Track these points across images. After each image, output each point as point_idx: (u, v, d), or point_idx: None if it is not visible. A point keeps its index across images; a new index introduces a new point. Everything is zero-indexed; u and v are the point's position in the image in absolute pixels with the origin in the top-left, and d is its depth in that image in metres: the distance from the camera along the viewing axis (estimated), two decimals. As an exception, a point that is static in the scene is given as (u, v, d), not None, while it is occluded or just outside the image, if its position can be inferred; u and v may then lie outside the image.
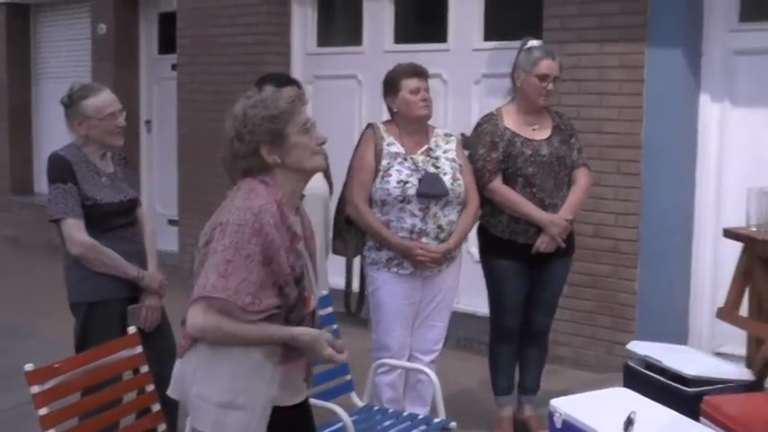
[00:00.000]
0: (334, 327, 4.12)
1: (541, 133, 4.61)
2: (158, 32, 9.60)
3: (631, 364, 4.67)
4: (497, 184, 4.53)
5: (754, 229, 4.52)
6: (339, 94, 7.61)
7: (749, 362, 4.74)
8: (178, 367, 2.86)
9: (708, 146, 5.71)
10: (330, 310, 4.18)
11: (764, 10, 5.50)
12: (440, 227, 4.36)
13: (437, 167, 4.39)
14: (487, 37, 6.75)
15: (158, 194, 9.55)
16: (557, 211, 4.55)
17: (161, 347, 3.95)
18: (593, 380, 5.38)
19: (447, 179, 4.37)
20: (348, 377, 4.21)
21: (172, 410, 3.77)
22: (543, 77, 4.52)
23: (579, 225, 5.19)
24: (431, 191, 4.31)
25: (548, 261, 4.64)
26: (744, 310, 4.76)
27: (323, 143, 2.88)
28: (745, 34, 5.55)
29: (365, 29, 7.52)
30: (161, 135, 9.50)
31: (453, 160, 4.45)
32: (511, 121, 4.60)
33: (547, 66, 4.53)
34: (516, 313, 4.69)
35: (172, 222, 9.06)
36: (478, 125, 4.68)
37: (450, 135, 4.60)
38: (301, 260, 2.83)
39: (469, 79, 6.80)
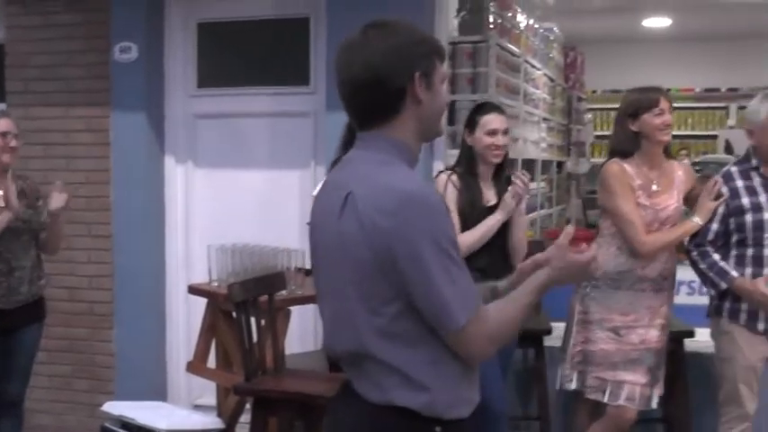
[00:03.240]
0: None
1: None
2: None
3: (108, 425, 4.78)
4: None
5: (215, 284, 4.88)
6: None
7: (220, 410, 5.09)
8: None
9: (174, 205, 6.03)
10: None
11: (218, 78, 5.97)
12: None
13: None
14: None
15: None
16: (24, 273, 4.56)
17: None
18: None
19: None
20: None
21: None
22: (2, 135, 4.52)
23: (53, 290, 5.20)
24: None
25: (17, 328, 4.61)
26: (212, 362, 5.10)
27: None
28: (203, 99, 5.98)
29: None
30: None
31: None
32: (-27, 188, 4.52)
33: (3, 124, 4.54)
34: (-13, 385, 4.59)
35: None
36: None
37: None
38: None
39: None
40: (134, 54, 5.78)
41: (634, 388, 4.07)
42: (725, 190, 4.04)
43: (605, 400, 4.10)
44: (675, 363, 4.50)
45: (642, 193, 4.04)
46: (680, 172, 4.17)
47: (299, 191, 5.74)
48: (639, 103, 4.06)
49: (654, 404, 4.14)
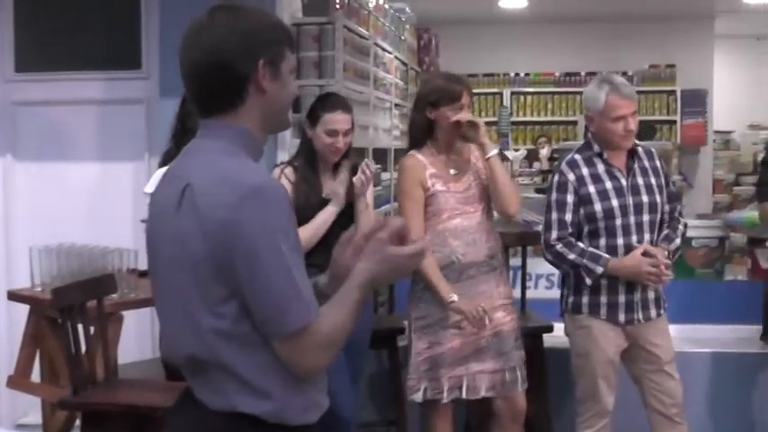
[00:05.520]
0: None
1: None
2: None
3: None
4: None
5: (39, 289, 4.75)
6: None
7: (46, 429, 4.96)
8: None
9: (-8, 203, 5.86)
10: None
11: (39, 61, 5.83)
12: None
13: None
14: None
15: None
16: None
17: None
18: None
19: None
20: None
21: None
22: None
23: None
24: None
25: None
26: (38, 376, 4.98)
27: None
28: (22, 85, 5.82)
29: None
30: None
31: None
32: None
33: None
34: None
35: None
36: None
37: None
38: None
39: None
40: (-61, 33, 5.60)
41: (494, 376, 4.21)
42: (571, 177, 4.18)
43: (464, 396, 4.20)
44: (534, 359, 4.62)
45: (438, 181, 4.20)
46: (477, 152, 4.32)
47: (131, 185, 5.66)
48: (442, 93, 4.18)
49: (520, 387, 4.27)
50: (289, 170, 4.31)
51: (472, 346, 4.18)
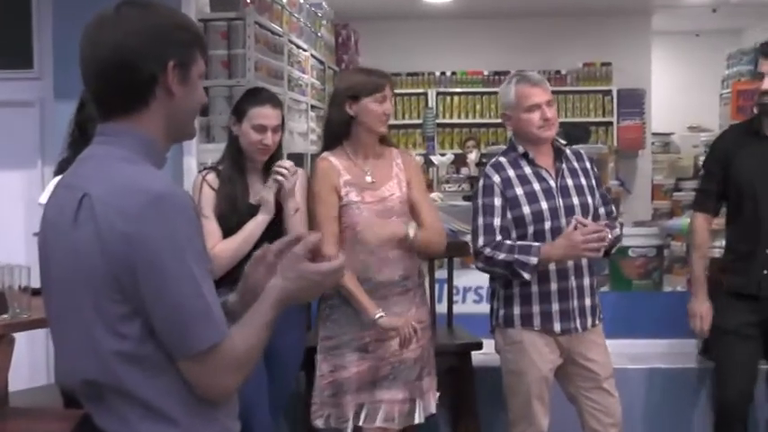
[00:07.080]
0: None
1: None
2: None
3: None
4: None
5: None
6: None
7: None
8: None
9: None
10: None
11: None
12: None
13: None
14: None
15: None
16: None
17: None
18: None
19: None
20: None
21: None
22: None
23: None
24: None
25: None
26: None
27: None
28: None
29: None
30: None
31: None
32: None
33: None
34: None
35: None
36: None
37: None
38: None
39: None
40: None
41: (392, 406, 4.17)
42: (497, 179, 4.23)
43: (361, 422, 4.16)
44: (462, 379, 4.66)
45: (352, 189, 4.17)
46: (399, 160, 4.32)
47: (23, 195, 5.62)
48: (363, 85, 4.16)
49: (418, 419, 4.25)
50: (211, 176, 4.23)
51: (376, 372, 4.16)
